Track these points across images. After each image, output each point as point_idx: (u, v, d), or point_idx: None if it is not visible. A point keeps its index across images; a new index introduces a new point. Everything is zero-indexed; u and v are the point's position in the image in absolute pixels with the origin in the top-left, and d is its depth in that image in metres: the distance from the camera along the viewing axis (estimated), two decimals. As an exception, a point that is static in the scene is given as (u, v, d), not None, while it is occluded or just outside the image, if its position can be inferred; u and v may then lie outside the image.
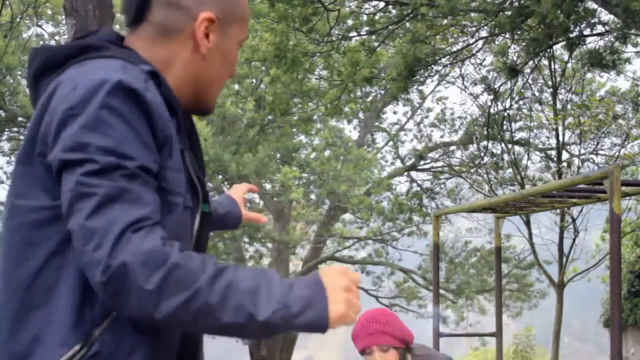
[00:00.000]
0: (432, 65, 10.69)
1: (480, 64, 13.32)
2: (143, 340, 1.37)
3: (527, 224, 12.56)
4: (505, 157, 13.75)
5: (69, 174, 1.32)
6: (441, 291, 16.05)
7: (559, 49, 11.96)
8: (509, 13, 8.98)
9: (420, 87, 16.68)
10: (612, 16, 8.92)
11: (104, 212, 1.29)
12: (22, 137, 16.44)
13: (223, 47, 1.54)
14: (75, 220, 1.30)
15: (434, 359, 3.34)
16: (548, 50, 10.56)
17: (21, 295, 1.38)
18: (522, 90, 13.05)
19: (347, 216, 18.89)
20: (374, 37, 11.54)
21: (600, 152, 12.80)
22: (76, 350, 1.33)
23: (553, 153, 13.73)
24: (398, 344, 3.24)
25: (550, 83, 12.38)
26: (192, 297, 1.27)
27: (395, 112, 35.12)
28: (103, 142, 1.32)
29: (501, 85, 12.15)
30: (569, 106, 12.35)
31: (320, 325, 1.32)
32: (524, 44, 10.28)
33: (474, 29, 10.56)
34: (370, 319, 3.28)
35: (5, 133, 16.15)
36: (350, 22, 11.78)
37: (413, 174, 18.82)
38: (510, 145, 13.39)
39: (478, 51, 12.18)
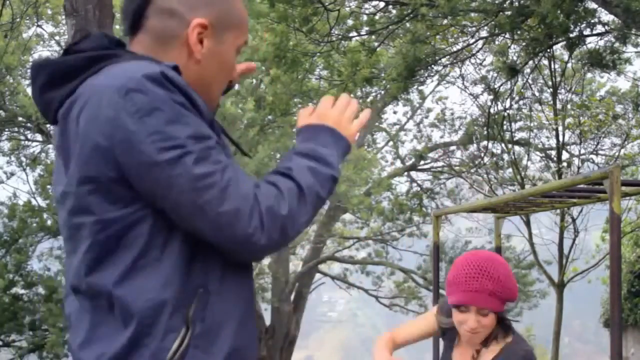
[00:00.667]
0: (432, 65, 10.68)
1: (480, 64, 13.33)
2: (231, 313, 1.47)
3: (527, 224, 12.56)
4: (505, 157, 13.76)
5: (173, 176, 1.36)
6: (441, 291, 16.04)
7: (559, 49, 11.96)
8: (509, 13, 8.97)
9: (420, 87, 16.69)
10: (612, 16, 8.92)
11: (229, 193, 1.39)
12: (22, 137, 16.46)
13: (218, 52, 1.56)
14: (208, 214, 1.37)
15: (523, 345, 2.73)
16: (548, 50, 10.55)
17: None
18: (522, 90, 13.05)
19: (347, 216, 18.89)
20: (374, 37, 11.54)
21: (600, 152, 12.80)
22: (184, 334, 1.40)
23: (553, 153, 13.72)
24: (501, 309, 2.64)
25: (550, 83, 12.38)
26: (308, 195, 1.50)
27: (395, 112, 35.12)
28: (186, 130, 1.38)
29: (501, 85, 12.14)
30: (569, 106, 12.35)
31: (347, 149, 1.66)
32: (524, 44, 10.28)
33: (474, 29, 10.56)
34: (480, 270, 2.59)
35: (5, 133, 16.14)
36: (350, 22, 11.77)
37: (413, 174, 18.82)
38: (510, 145, 13.39)
39: (478, 51, 12.18)
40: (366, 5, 11.53)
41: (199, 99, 1.44)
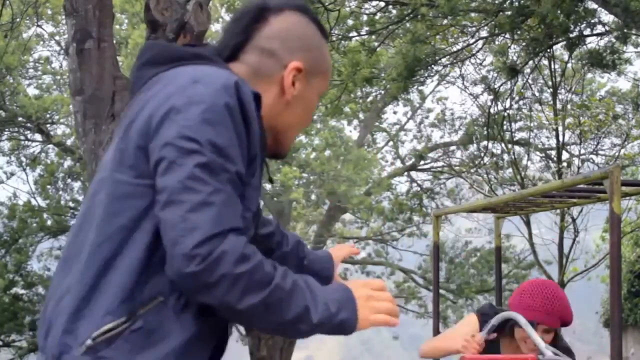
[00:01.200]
0: (432, 66, 10.68)
1: (480, 64, 13.32)
2: (183, 329, 1.45)
3: (527, 224, 12.56)
4: (505, 157, 13.75)
5: (176, 162, 1.39)
6: (441, 291, 16.05)
7: (559, 49, 11.95)
8: (509, 13, 8.98)
9: (420, 87, 16.66)
10: (612, 16, 8.92)
11: (207, 209, 1.37)
12: (22, 137, 16.45)
13: (306, 96, 1.64)
14: (176, 210, 1.37)
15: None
16: (548, 50, 10.55)
17: (90, 257, 1.47)
18: (522, 90, 13.04)
19: (347, 216, 18.89)
20: (374, 37, 11.54)
21: (600, 152, 12.80)
22: (121, 322, 1.42)
23: (553, 153, 13.72)
24: (560, 331, 3.14)
25: (550, 83, 12.37)
26: (271, 292, 1.40)
27: (395, 112, 35.10)
28: (217, 139, 1.41)
29: (501, 85, 12.14)
30: (569, 106, 12.34)
31: (349, 326, 1.49)
32: (524, 44, 10.28)
33: (474, 29, 10.56)
34: (555, 296, 3.06)
35: (5, 133, 16.13)
36: (350, 22, 11.77)
37: (413, 174, 18.81)
38: (510, 145, 13.39)
39: (478, 51, 12.18)
40: (366, 5, 11.53)
41: (256, 124, 1.48)
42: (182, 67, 1.53)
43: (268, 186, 15.78)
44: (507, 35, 10.11)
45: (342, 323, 1.48)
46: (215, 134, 1.41)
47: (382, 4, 10.67)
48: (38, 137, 16.31)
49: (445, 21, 10.17)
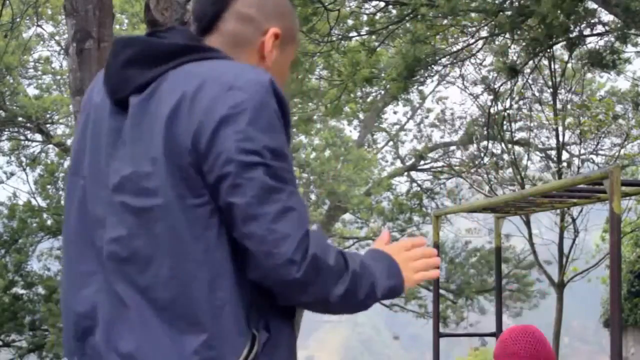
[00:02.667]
0: (432, 66, 10.69)
1: (480, 64, 13.33)
2: (287, 322, 1.52)
3: (527, 224, 12.56)
4: (505, 157, 13.74)
5: (243, 178, 1.39)
6: (441, 291, 16.05)
7: (559, 49, 11.95)
8: (509, 13, 8.98)
9: (420, 87, 16.68)
10: (612, 16, 8.93)
11: (289, 215, 1.40)
12: (22, 137, 16.46)
13: (280, 62, 1.64)
14: (260, 224, 1.39)
15: None
16: (548, 50, 10.56)
17: (183, 289, 1.41)
18: (522, 90, 13.04)
19: (347, 216, 18.89)
20: (374, 37, 11.54)
21: (600, 152, 12.80)
22: (253, 338, 1.43)
23: (553, 153, 13.72)
24: None
25: (550, 83, 12.37)
26: (352, 278, 1.48)
27: (395, 112, 35.09)
28: (273, 143, 1.42)
29: (501, 85, 12.15)
30: (569, 106, 12.35)
31: (399, 290, 1.58)
32: (524, 44, 10.28)
33: (474, 29, 10.56)
34: (538, 341, 3.07)
35: (5, 133, 16.14)
36: (350, 22, 11.78)
37: (413, 174, 18.82)
38: (510, 145, 13.39)
39: (478, 51, 12.18)
40: (366, 5, 11.53)
41: (290, 115, 1.50)
42: (191, 66, 1.48)
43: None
44: (507, 35, 10.11)
45: (393, 289, 1.58)
46: (270, 139, 1.41)
47: (382, 4, 10.68)
48: (38, 137, 16.32)
49: (445, 21, 10.17)
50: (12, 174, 16.37)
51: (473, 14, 10.13)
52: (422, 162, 18.49)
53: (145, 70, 1.49)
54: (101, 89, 1.58)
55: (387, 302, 19.01)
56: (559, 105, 12.37)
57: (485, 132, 12.86)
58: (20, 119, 15.41)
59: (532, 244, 12.98)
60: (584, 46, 9.95)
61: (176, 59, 1.49)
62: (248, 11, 1.59)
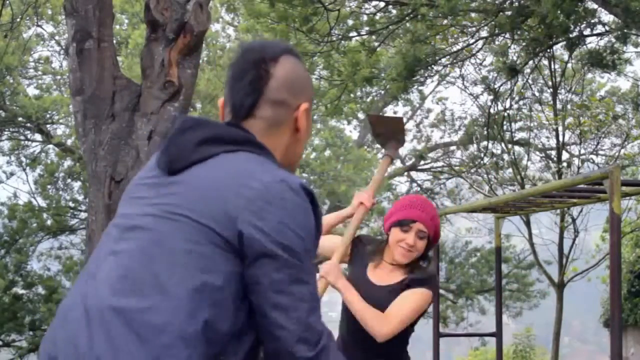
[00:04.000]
0: (432, 66, 10.68)
1: (480, 64, 13.32)
2: None
3: (527, 224, 12.56)
4: (505, 157, 13.75)
5: (272, 268, 1.53)
6: (441, 291, 16.05)
7: (559, 49, 11.95)
8: (509, 13, 8.98)
9: (420, 88, 16.67)
10: (612, 16, 8.93)
11: (316, 312, 1.57)
12: (22, 137, 16.45)
13: (308, 127, 1.80)
14: (295, 316, 1.54)
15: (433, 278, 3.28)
16: (548, 50, 10.56)
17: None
18: (522, 90, 13.04)
19: (347, 216, 18.83)
20: (374, 37, 11.54)
21: (600, 152, 12.80)
22: None
23: (553, 153, 13.72)
24: (432, 242, 3.19)
25: (550, 83, 12.37)
26: None
27: (395, 112, 35.07)
28: (306, 244, 1.57)
29: (501, 85, 12.14)
30: (569, 106, 12.35)
31: None
32: (524, 44, 10.28)
33: (474, 29, 10.56)
34: (425, 201, 3.21)
35: (5, 133, 16.13)
36: (350, 22, 11.77)
37: (413, 174, 18.82)
38: (510, 146, 13.39)
39: (478, 51, 12.17)
40: (366, 5, 11.53)
41: (321, 222, 1.66)
42: (242, 154, 1.64)
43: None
44: (507, 35, 10.11)
45: None
46: (302, 239, 1.56)
47: (382, 4, 10.67)
48: (38, 137, 16.30)
49: (445, 21, 10.17)
50: (12, 174, 16.35)
51: (473, 14, 10.13)
52: (422, 162, 18.50)
53: (215, 149, 1.66)
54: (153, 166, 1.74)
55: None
56: (559, 105, 12.37)
57: (485, 132, 12.86)
58: (20, 119, 15.40)
59: (532, 244, 12.98)
60: (584, 46, 9.95)
61: (235, 145, 1.66)
62: (280, 95, 1.72)
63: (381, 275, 3.21)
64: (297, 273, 1.53)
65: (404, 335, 3.15)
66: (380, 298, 3.11)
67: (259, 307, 1.53)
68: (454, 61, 12.02)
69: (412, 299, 3.09)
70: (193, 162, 1.64)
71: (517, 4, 9.11)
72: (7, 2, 9.17)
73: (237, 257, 1.53)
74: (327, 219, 3.29)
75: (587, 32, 9.35)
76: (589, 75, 13.56)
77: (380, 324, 3.02)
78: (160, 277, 1.51)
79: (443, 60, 11.23)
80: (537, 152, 14.61)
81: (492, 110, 12.59)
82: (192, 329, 1.47)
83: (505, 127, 12.97)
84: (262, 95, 1.71)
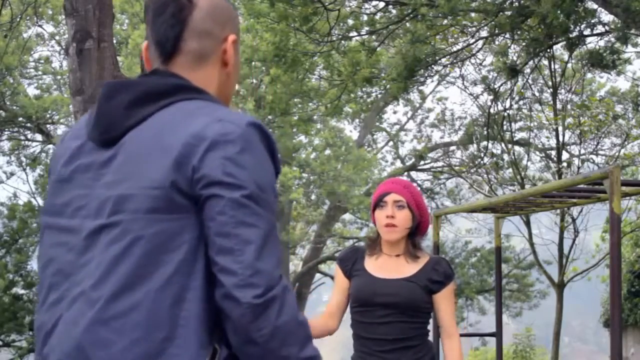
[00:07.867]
0: (432, 66, 10.68)
1: (480, 64, 13.33)
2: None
3: (527, 224, 12.56)
4: (505, 157, 13.75)
5: (217, 211, 1.45)
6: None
7: (559, 49, 11.96)
8: (509, 13, 8.98)
9: (421, 88, 16.69)
10: (612, 16, 8.92)
11: (267, 258, 1.45)
12: (22, 137, 16.47)
13: (236, 62, 1.74)
14: (241, 259, 1.43)
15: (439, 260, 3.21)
16: (548, 50, 10.55)
17: (154, 298, 1.46)
18: (522, 90, 13.05)
19: (347, 216, 18.90)
20: (374, 37, 11.54)
21: (600, 152, 12.80)
22: (212, 354, 1.48)
23: (553, 153, 13.72)
24: (414, 210, 3.11)
25: (550, 83, 12.37)
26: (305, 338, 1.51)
27: (395, 112, 35.13)
28: (255, 184, 1.48)
29: (501, 85, 12.14)
30: (569, 106, 12.34)
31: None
32: (524, 44, 10.27)
33: (474, 29, 10.56)
34: (398, 178, 3.28)
35: (5, 133, 16.14)
36: (350, 22, 11.77)
37: (413, 174, 18.82)
38: (510, 145, 13.39)
39: (478, 51, 12.18)
40: (366, 5, 11.53)
41: (279, 163, 1.60)
42: (183, 104, 1.56)
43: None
44: (507, 35, 10.11)
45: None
46: (258, 174, 1.49)
47: (382, 4, 10.67)
48: (38, 137, 16.32)
49: (445, 21, 10.17)
50: (12, 174, 16.38)
51: (473, 14, 10.13)
52: (422, 162, 18.50)
53: (147, 108, 1.57)
54: (79, 133, 1.64)
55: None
56: (559, 105, 12.37)
57: (485, 132, 12.86)
58: (20, 119, 15.42)
59: (532, 244, 12.98)
60: (584, 46, 9.95)
61: (168, 98, 1.58)
62: (205, 26, 1.66)
63: (388, 269, 3.15)
64: (244, 216, 1.44)
65: (424, 325, 3.23)
66: (399, 289, 3.09)
67: (210, 255, 1.45)
68: (454, 61, 12.02)
69: (452, 299, 3.19)
70: (127, 128, 1.55)
71: (517, 4, 9.11)
72: (7, 2, 9.17)
73: (194, 206, 1.47)
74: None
75: (587, 32, 9.35)
76: (589, 75, 13.57)
77: (455, 340, 3.34)
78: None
79: (443, 60, 11.23)
80: (537, 152, 14.61)
81: (492, 110, 12.59)
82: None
83: (505, 127, 12.97)
84: (186, 26, 1.64)
